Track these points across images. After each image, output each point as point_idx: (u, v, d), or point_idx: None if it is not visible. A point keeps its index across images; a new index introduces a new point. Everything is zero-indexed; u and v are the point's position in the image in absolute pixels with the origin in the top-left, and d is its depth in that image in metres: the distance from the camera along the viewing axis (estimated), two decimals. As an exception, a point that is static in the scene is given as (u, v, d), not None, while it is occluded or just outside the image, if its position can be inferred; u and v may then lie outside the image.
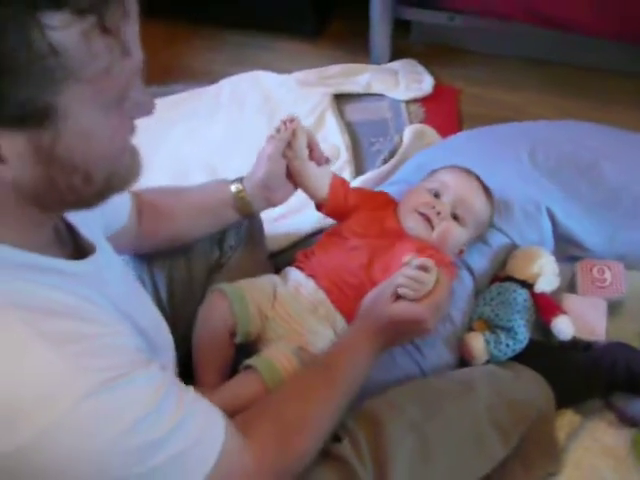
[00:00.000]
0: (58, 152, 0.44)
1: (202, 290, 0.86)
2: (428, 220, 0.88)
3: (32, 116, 0.41)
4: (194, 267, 0.88)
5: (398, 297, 0.74)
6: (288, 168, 0.84)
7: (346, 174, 1.18)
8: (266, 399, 0.66)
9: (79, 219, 0.59)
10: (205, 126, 1.29)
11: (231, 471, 0.55)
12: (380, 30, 1.47)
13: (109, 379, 0.45)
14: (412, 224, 0.88)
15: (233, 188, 0.83)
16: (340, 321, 0.84)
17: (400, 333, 0.75)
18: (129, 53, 0.44)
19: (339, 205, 0.90)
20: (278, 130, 0.81)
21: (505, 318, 0.94)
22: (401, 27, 1.52)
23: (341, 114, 1.34)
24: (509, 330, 0.94)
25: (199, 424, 0.52)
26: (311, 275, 0.86)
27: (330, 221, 1.03)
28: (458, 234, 0.90)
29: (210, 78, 1.48)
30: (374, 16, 1.44)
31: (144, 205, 0.80)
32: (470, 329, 0.96)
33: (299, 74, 1.42)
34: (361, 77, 1.42)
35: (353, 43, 1.55)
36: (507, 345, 0.93)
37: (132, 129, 0.50)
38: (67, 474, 0.44)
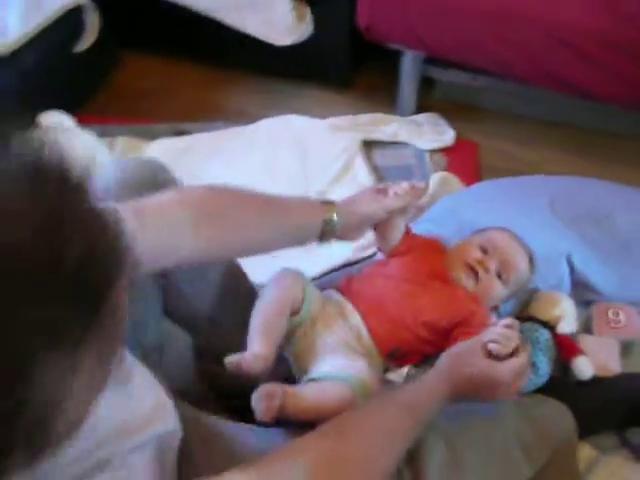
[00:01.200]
0: None
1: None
2: (476, 274, 0.94)
3: None
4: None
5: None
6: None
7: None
8: (352, 425, 0.66)
9: None
10: (241, 161, 1.38)
11: None
12: (407, 86, 1.57)
13: None
14: (460, 274, 0.94)
15: (328, 215, 0.80)
16: (371, 346, 0.88)
17: (477, 390, 0.76)
18: None
19: (398, 250, 0.96)
20: (406, 192, 0.87)
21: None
22: (426, 84, 1.63)
23: (369, 158, 1.44)
24: (532, 366, 0.99)
25: None
26: (349, 298, 0.91)
27: (361, 254, 1.10)
28: (499, 291, 0.95)
29: (244, 119, 1.58)
30: (403, 73, 1.55)
31: (205, 210, 0.71)
32: (495, 362, 1.02)
33: (332, 120, 1.52)
34: (388, 126, 1.52)
35: (380, 95, 1.65)
36: (530, 379, 0.97)
37: None
38: None
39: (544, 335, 1.01)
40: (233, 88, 1.74)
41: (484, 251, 0.96)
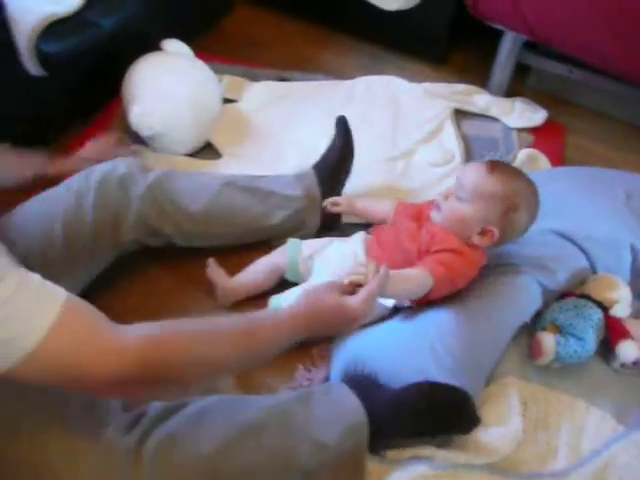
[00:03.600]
0: None
1: None
2: (438, 205, 1.02)
3: None
4: None
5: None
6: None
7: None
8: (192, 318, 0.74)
9: None
10: (338, 112, 1.44)
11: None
12: (502, 69, 1.60)
13: None
14: (432, 211, 1.04)
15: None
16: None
17: (330, 322, 0.82)
18: None
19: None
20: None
21: (579, 328, 1.03)
22: (520, 71, 1.66)
23: (458, 126, 1.50)
24: (580, 339, 1.04)
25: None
26: (374, 235, 1.10)
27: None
28: (458, 210, 0.99)
29: (339, 78, 1.65)
30: (500, 56, 1.58)
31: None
32: (542, 329, 1.07)
33: (427, 85, 1.58)
34: (481, 99, 1.57)
35: (473, 76, 1.68)
36: (575, 351, 1.02)
37: None
38: None
39: (597, 314, 1.06)
40: (333, 48, 1.81)
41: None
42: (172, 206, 1.10)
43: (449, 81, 1.66)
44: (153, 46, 1.42)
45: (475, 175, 0.99)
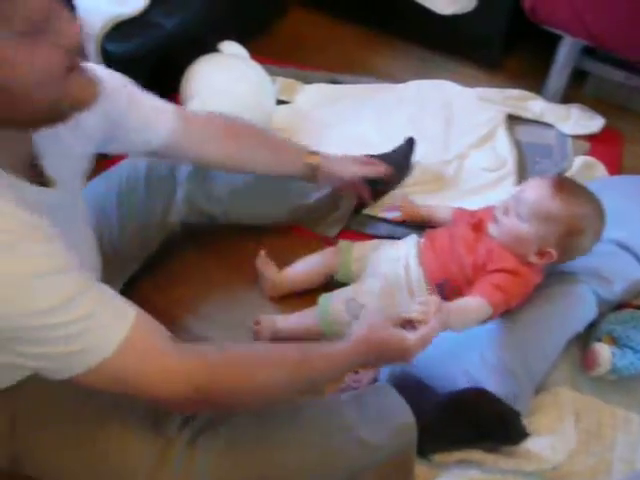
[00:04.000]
0: None
1: None
2: (496, 219, 1.00)
3: None
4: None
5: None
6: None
7: (509, 181, 1.33)
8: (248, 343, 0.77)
9: (57, 158, 0.70)
10: (389, 114, 1.48)
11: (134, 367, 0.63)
12: (559, 75, 1.57)
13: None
14: (489, 224, 1.02)
15: (309, 163, 1.09)
16: (416, 270, 1.04)
17: (384, 356, 0.80)
18: None
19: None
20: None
21: (636, 340, 1.02)
22: (576, 77, 1.62)
23: (511, 132, 1.47)
24: (637, 352, 1.01)
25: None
26: (427, 240, 1.08)
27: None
28: (517, 228, 0.97)
29: (390, 82, 1.65)
30: (558, 61, 1.55)
31: (204, 129, 0.99)
32: (598, 340, 1.05)
33: (481, 90, 1.57)
34: (536, 105, 1.54)
35: (527, 82, 1.65)
36: (632, 363, 1.01)
37: (63, 57, 0.55)
38: None
39: (655, 326, 1.04)
40: (384, 51, 1.81)
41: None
42: (219, 186, 1.14)
43: (503, 86, 1.63)
44: (210, 47, 1.46)
45: (539, 194, 0.96)
